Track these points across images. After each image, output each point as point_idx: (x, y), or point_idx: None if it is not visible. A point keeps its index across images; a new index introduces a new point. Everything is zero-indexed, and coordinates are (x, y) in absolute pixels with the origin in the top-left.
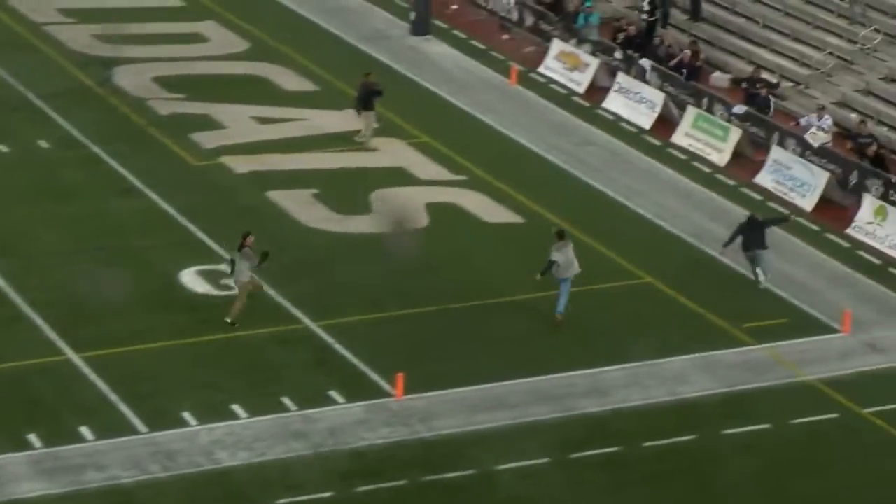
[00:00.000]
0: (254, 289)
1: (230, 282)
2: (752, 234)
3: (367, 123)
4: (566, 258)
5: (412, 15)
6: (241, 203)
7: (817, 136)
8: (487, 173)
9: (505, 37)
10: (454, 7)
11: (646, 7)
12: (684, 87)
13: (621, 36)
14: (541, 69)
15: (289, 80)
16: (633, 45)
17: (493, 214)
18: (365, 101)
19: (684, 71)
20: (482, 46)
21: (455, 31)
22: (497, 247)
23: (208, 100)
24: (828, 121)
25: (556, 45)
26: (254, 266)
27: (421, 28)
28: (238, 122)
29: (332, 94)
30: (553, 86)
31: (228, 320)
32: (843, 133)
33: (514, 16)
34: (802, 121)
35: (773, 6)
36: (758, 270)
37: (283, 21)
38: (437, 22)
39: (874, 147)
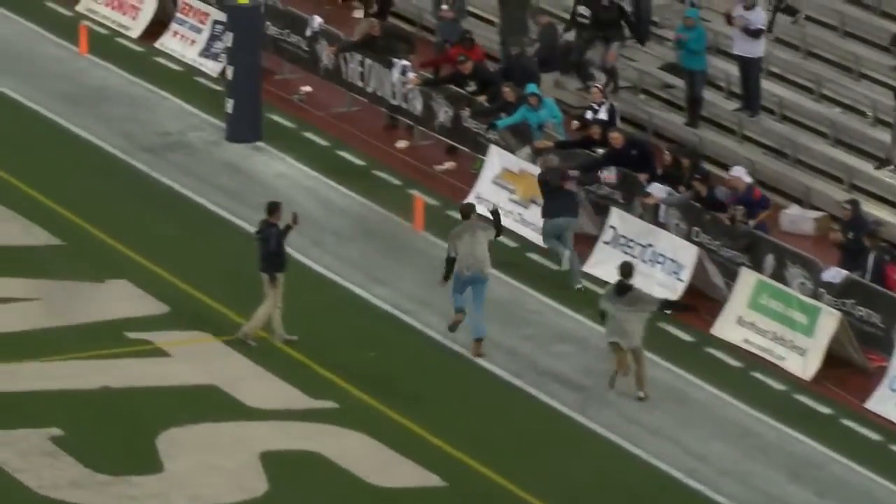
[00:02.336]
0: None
1: (620, 341)
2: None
3: (274, 294)
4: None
5: (229, 104)
6: None
7: None
8: (373, 394)
9: (401, 143)
10: (305, 90)
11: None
12: (729, 231)
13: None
14: (471, 199)
15: (7, 228)
16: (630, 159)
17: (386, 472)
18: (275, 259)
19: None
20: (358, 161)
21: (308, 134)
22: None
23: None
24: None
25: (496, 158)
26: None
27: (246, 129)
28: None
29: (86, 251)
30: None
31: (642, 395)
32: None
33: (417, 106)
34: None
35: None
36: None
37: None
38: (275, 117)
39: None
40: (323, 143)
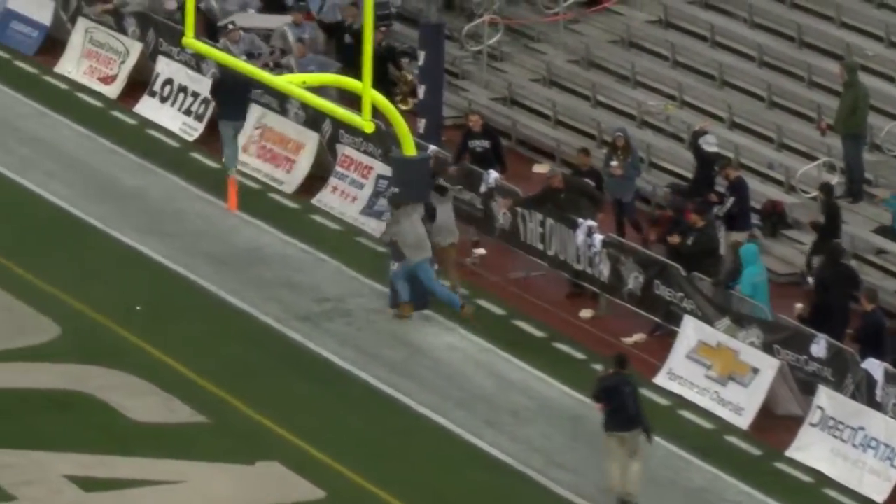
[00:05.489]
0: None
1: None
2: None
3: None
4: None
5: (394, 268)
6: None
7: None
8: None
9: (586, 313)
10: (479, 252)
11: None
12: None
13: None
14: (659, 378)
15: (133, 399)
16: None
17: None
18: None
19: None
20: (538, 332)
21: (481, 301)
22: None
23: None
24: None
25: (691, 330)
26: None
27: (413, 294)
28: (44, 483)
29: (233, 429)
30: (686, 413)
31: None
32: None
33: (604, 271)
34: None
35: None
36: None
37: (127, 277)
38: (444, 282)
39: None
40: (498, 311)
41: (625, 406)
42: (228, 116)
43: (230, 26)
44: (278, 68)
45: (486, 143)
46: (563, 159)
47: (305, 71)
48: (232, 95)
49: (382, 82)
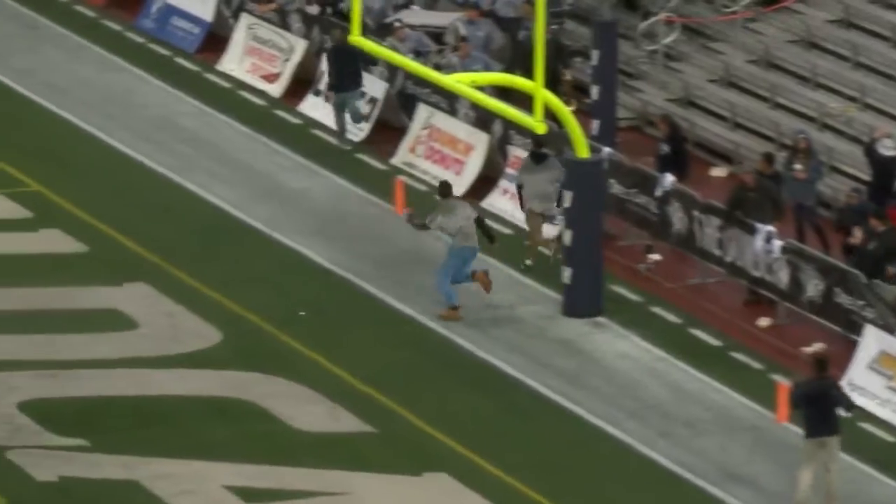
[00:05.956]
0: None
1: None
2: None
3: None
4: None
5: (566, 274)
6: None
7: None
8: None
9: (764, 321)
10: (654, 258)
11: None
12: None
13: None
14: (846, 382)
15: (297, 408)
16: None
17: None
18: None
19: None
20: (714, 341)
21: (656, 308)
22: None
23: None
24: None
25: (873, 340)
26: None
27: (585, 302)
28: (204, 493)
29: (399, 438)
30: (867, 425)
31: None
32: None
33: (782, 278)
34: None
35: None
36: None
37: (290, 281)
38: (618, 288)
39: None
40: (673, 319)
41: (829, 410)
42: (334, 87)
43: (396, 24)
44: (437, 68)
45: (666, 148)
46: (742, 163)
47: (471, 70)
48: (339, 63)
49: (551, 82)
